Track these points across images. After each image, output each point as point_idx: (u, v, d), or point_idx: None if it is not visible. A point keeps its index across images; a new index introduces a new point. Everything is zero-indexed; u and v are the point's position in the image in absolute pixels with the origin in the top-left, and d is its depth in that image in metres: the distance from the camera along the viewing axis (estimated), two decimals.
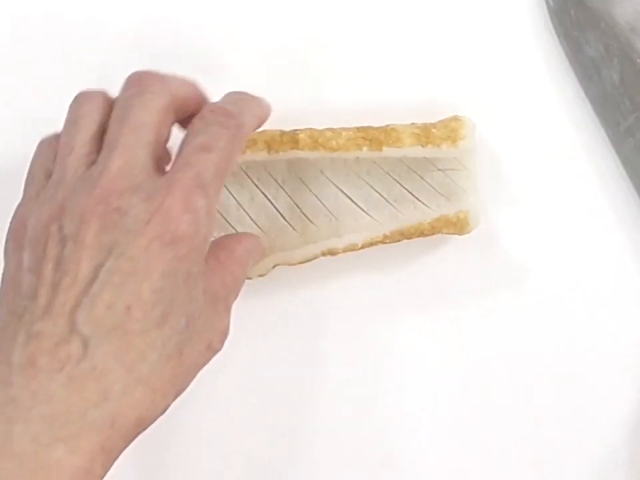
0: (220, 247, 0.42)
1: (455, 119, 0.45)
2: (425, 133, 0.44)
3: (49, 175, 0.40)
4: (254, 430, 0.47)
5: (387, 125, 0.44)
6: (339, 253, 0.45)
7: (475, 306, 0.46)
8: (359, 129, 0.44)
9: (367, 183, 0.45)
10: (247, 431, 0.47)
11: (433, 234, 0.44)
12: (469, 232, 0.44)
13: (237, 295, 0.41)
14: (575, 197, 0.47)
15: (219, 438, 0.47)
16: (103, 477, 0.36)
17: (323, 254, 0.45)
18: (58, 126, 0.40)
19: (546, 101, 0.48)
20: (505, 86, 0.48)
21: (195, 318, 0.38)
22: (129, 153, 0.38)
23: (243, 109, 0.41)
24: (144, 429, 0.37)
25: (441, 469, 0.46)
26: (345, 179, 0.45)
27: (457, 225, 0.44)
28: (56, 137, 0.41)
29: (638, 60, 0.47)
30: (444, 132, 0.44)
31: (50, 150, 0.41)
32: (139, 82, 0.40)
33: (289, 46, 0.48)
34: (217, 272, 0.41)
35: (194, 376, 0.39)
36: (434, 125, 0.45)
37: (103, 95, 0.41)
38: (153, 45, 0.48)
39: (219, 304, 0.40)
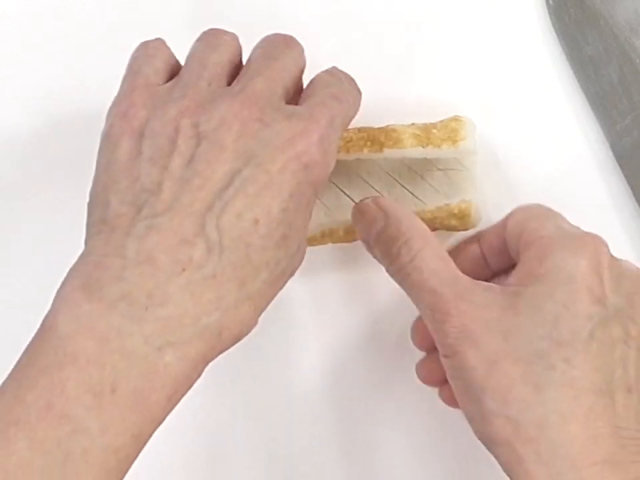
0: None
1: (456, 119, 0.44)
2: (425, 134, 0.44)
3: (160, 76, 0.39)
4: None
5: (387, 126, 0.44)
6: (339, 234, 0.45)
7: None
8: (359, 129, 0.44)
9: (367, 183, 0.45)
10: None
11: (434, 228, 0.44)
12: (472, 226, 0.44)
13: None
14: (573, 196, 0.47)
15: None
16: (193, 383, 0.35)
17: (323, 234, 0.45)
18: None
19: (545, 100, 0.48)
20: (505, 85, 0.48)
21: (303, 245, 0.38)
22: (271, 82, 0.38)
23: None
24: (235, 343, 0.36)
25: None
26: (345, 179, 0.45)
27: (459, 217, 0.44)
28: (163, 44, 0.40)
29: (637, 60, 0.47)
30: (444, 132, 0.44)
31: (159, 53, 0.39)
32: (289, 41, 0.39)
33: None
34: None
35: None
36: (434, 126, 0.44)
37: (238, 41, 0.40)
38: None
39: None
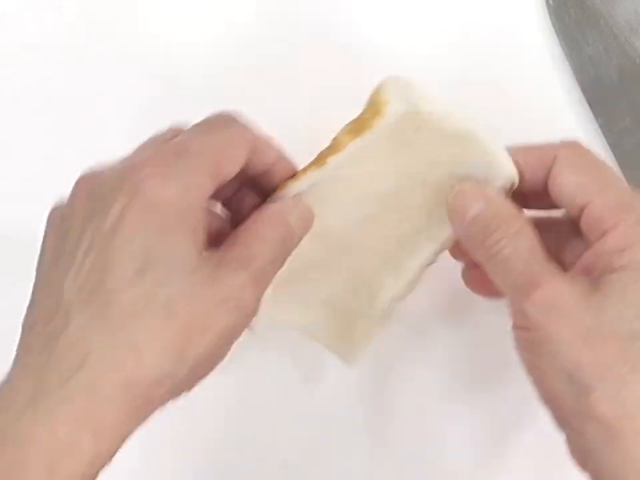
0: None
1: (376, 88, 0.39)
2: (358, 125, 0.39)
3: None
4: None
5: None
6: None
7: None
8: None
9: None
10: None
11: None
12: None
13: (278, 265, 0.39)
14: None
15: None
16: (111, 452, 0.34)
17: None
18: None
19: (544, 100, 0.48)
20: (504, 84, 0.48)
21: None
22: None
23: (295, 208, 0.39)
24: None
25: None
26: None
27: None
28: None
29: (637, 60, 0.47)
30: (371, 109, 0.39)
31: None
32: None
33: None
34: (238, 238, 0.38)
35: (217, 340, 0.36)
36: (364, 111, 0.40)
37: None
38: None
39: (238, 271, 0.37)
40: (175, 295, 0.34)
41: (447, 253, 0.43)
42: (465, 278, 0.44)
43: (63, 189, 0.41)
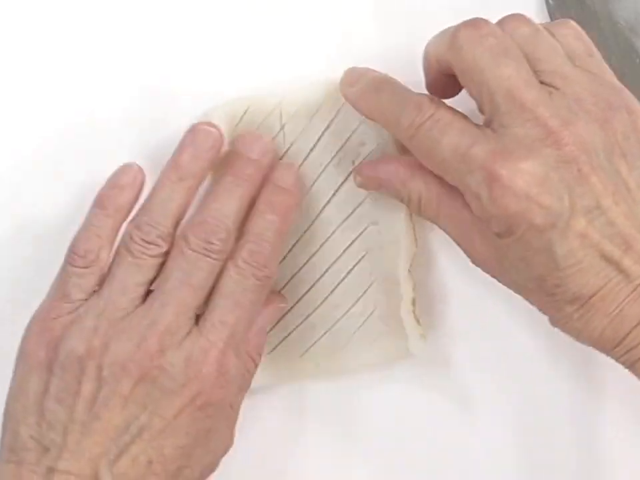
0: None
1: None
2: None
3: (83, 291, 0.41)
4: None
5: None
6: None
7: None
8: None
9: None
10: None
11: None
12: None
13: (245, 392, 0.43)
14: None
15: None
16: None
17: None
18: None
19: None
20: None
21: (211, 464, 0.41)
22: (181, 308, 0.40)
23: (273, 250, 0.42)
24: None
25: None
26: None
27: None
28: (89, 255, 0.42)
29: (637, 60, 0.47)
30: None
31: (87, 264, 0.42)
32: (207, 237, 0.41)
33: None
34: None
35: None
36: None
37: (159, 249, 0.42)
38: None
39: (230, 419, 0.42)
40: None
41: None
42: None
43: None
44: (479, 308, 0.47)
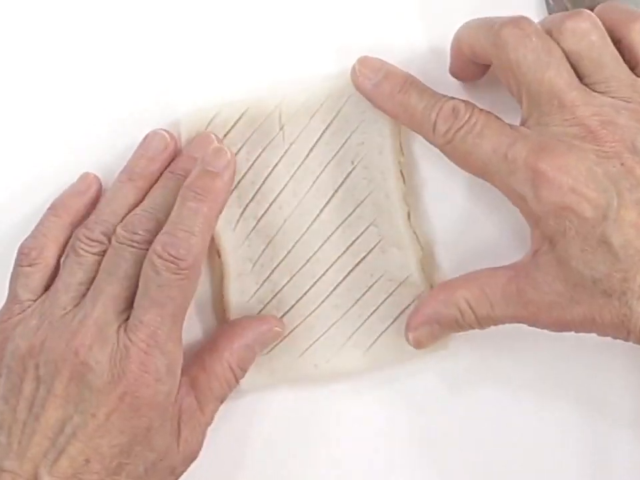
0: (208, 351, 0.43)
1: None
2: None
3: (31, 291, 0.42)
4: None
5: None
6: None
7: None
8: None
9: None
10: None
11: None
12: None
13: (222, 402, 0.44)
14: None
15: None
16: None
17: None
18: None
19: None
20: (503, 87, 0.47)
21: (157, 462, 0.41)
22: (108, 302, 0.40)
23: (192, 239, 0.41)
24: None
25: None
26: None
27: None
28: (33, 252, 0.43)
29: None
30: None
31: (31, 263, 0.43)
32: (132, 228, 0.42)
33: None
34: (197, 386, 0.43)
35: None
36: None
37: (101, 246, 0.42)
38: None
39: (194, 426, 0.42)
40: None
41: None
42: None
43: None
44: None
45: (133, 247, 0.41)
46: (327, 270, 0.46)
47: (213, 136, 0.44)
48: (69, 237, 0.44)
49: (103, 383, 0.39)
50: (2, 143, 0.48)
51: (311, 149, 0.46)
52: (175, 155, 0.45)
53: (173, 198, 0.42)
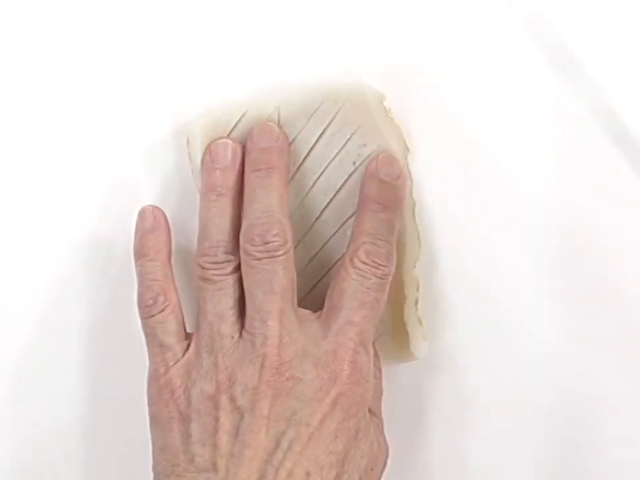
0: None
1: None
2: None
3: (180, 340, 0.42)
4: None
5: None
6: None
7: None
8: None
9: None
10: None
11: None
12: None
13: (381, 398, 0.44)
14: None
15: None
16: None
17: None
18: None
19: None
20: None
21: (368, 471, 0.41)
22: (282, 317, 0.41)
23: (393, 247, 0.43)
24: None
25: None
26: None
27: None
28: (159, 298, 0.42)
29: None
30: None
31: (162, 308, 0.42)
32: (262, 238, 0.41)
33: None
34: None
35: None
36: None
37: (231, 265, 0.42)
38: None
39: (377, 431, 0.42)
40: None
41: None
42: None
43: None
44: (483, 309, 0.47)
45: (274, 257, 0.41)
46: (328, 271, 0.46)
47: (271, 124, 0.44)
48: (173, 274, 0.44)
49: (314, 390, 0.39)
50: (10, 150, 0.47)
51: (310, 150, 0.45)
52: (243, 158, 0.44)
53: (276, 193, 0.43)
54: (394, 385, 0.46)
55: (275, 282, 0.41)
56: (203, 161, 0.44)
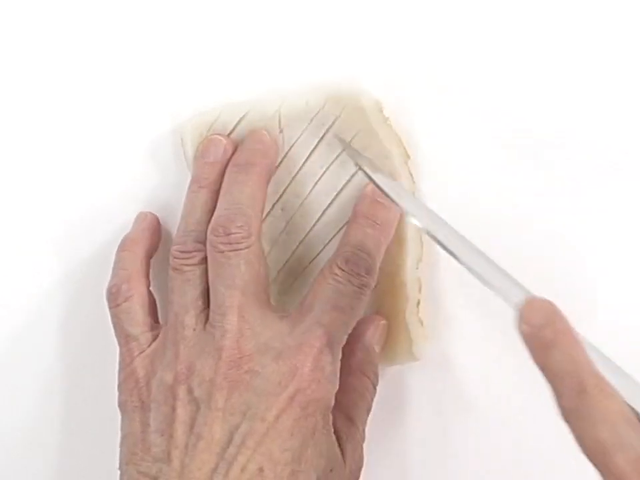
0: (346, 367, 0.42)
1: None
2: None
3: (146, 330, 0.42)
4: None
5: None
6: None
7: None
8: None
9: None
10: None
11: None
12: None
13: (369, 412, 0.44)
14: None
15: None
16: None
17: None
18: None
19: None
20: None
21: (327, 472, 0.40)
22: (243, 312, 0.40)
23: (375, 262, 0.43)
24: None
25: None
26: None
27: None
28: (123, 286, 0.43)
29: None
30: None
31: (126, 297, 0.43)
32: (225, 230, 0.41)
33: None
34: (341, 406, 0.42)
35: None
36: None
37: (200, 254, 0.42)
38: None
39: (353, 442, 0.42)
40: None
41: None
42: None
43: None
44: (485, 311, 0.47)
45: (237, 249, 0.41)
46: None
47: (265, 132, 0.45)
48: (148, 268, 0.44)
49: (272, 384, 0.39)
50: (10, 151, 0.48)
51: (312, 152, 0.46)
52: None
53: (250, 189, 0.43)
54: (393, 385, 0.47)
55: (236, 276, 0.41)
56: (194, 154, 0.45)
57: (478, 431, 0.47)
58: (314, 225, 0.46)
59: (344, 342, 0.42)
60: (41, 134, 0.47)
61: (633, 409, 0.33)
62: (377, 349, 0.45)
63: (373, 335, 0.44)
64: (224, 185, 0.43)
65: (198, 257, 0.42)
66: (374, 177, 0.42)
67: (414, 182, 0.45)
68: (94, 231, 0.47)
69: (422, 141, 0.46)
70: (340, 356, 0.41)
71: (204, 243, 0.42)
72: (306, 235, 0.46)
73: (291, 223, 0.46)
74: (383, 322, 0.45)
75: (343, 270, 0.42)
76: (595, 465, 0.33)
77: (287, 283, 0.46)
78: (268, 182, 0.44)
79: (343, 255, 0.42)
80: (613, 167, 0.45)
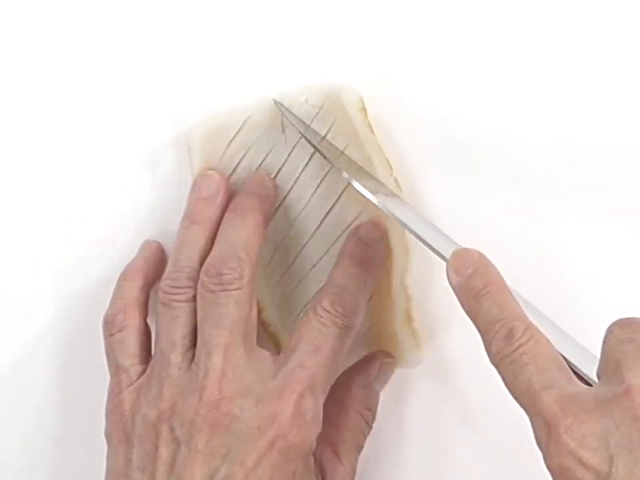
0: (329, 403, 0.42)
1: None
2: None
3: (136, 363, 0.43)
4: None
5: None
6: None
7: None
8: None
9: None
10: None
11: None
12: None
13: (361, 449, 0.44)
14: None
15: None
16: None
17: None
18: None
19: None
20: None
21: None
22: (228, 353, 0.40)
23: (360, 302, 0.43)
24: None
25: None
26: None
27: None
28: (118, 316, 0.43)
29: None
30: None
31: (121, 327, 0.43)
32: (218, 270, 0.41)
33: None
34: (329, 441, 0.43)
35: None
36: None
37: (191, 291, 0.42)
38: None
39: (338, 469, 0.43)
40: None
41: None
42: None
43: None
44: None
45: (228, 290, 0.41)
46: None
47: (266, 175, 0.45)
48: (147, 298, 0.45)
49: (252, 429, 0.39)
50: (11, 155, 0.48)
51: (313, 152, 0.45)
52: (228, 191, 0.45)
53: (246, 233, 0.43)
54: (391, 390, 0.47)
55: (224, 316, 0.40)
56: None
57: (476, 438, 0.47)
58: (317, 228, 0.46)
59: (330, 383, 0.42)
60: (42, 142, 0.47)
61: (559, 353, 0.36)
62: (378, 387, 0.45)
63: (375, 373, 0.45)
64: (221, 227, 0.43)
65: (189, 293, 0.42)
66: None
67: (401, 189, 0.45)
68: (95, 239, 0.48)
69: (411, 143, 0.46)
70: (323, 399, 0.41)
71: (195, 280, 0.42)
72: (310, 238, 0.46)
73: (294, 226, 0.46)
74: (389, 360, 0.45)
75: (328, 311, 0.42)
76: (523, 406, 0.36)
77: (292, 286, 0.46)
78: (266, 226, 0.44)
79: (328, 296, 0.42)
80: (608, 175, 0.45)
